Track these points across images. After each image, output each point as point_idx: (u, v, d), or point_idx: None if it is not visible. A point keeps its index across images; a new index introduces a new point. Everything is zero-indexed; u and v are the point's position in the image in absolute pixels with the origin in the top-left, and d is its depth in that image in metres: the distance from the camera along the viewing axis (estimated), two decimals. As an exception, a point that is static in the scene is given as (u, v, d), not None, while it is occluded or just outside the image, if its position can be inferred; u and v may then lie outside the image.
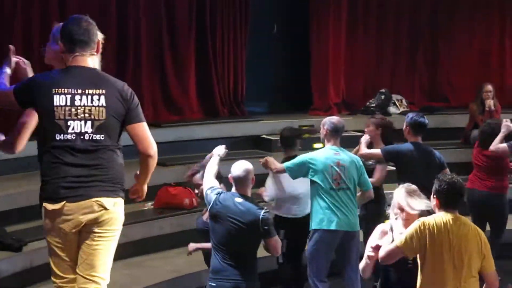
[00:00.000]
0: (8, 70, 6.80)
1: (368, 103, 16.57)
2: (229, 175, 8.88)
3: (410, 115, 11.95)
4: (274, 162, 10.78)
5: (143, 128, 6.44)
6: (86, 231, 6.27)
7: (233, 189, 8.84)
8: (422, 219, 7.77)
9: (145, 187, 6.75)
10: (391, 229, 8.03)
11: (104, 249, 6.36)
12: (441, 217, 7.77)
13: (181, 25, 15.41)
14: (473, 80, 17.01)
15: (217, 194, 8.69)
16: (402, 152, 11.42)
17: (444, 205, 7.80)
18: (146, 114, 13.88)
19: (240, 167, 8.80)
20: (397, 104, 16.40)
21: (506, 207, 12.24)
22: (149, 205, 12.62)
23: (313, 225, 10.63)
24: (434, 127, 16.11)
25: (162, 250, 12.53)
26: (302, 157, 10.68)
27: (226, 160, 12.00)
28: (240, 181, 8.74)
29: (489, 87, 15.63)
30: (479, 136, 12.50)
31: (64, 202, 6.16)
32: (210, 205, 8.66)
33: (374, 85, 16.99)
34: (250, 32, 16.35)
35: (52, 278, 6.47)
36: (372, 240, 7.87)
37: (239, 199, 8.63)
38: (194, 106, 15.76)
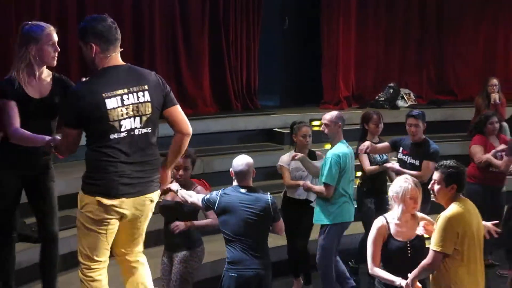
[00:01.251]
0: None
1: (377, 97, 16.53)
2: (231, 170, 8.91)
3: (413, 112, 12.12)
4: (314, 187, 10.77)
5: (179, 110, 6.64)
6: (133, 218, 6.61)
7: (234, 183, 8.88)
8: (446, 215, 7.68)
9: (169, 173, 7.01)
10: (387, 222, 8.04)
11: (144, 229, 6.90)
12: (462, 206, 7.75)
13: (195, 20, 15.33)
14: (479, 74, 17.02)
15: (218, 192, 8.74)
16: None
17: (461, 189, 7.81)
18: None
19: (241, 161, 8.86)
20: (405, 98, 16.33)
21: None
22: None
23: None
24: (441, 120, 16.12)
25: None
26: (334, 162, 10.54)
27: (236, 153, 12.03)
28: (243, 174, 8.78)
29: (494, 80, 15.56)
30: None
31: (123, 198, 6.38)
32: (217, 201, 8.67)
33: (383, 79, 16.93)
34: (262, 27, 16.26)
35: (84, 261, 6.61)
36: (372, 238, 7.97)
37: (244, 190, 8.72)
38: (208, 100, 15.70)
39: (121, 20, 14.03)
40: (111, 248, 6.77)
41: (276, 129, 15.39)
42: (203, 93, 15.53)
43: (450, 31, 17.71)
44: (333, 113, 11.03)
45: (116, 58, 6.39)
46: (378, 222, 7.93)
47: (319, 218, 10.71)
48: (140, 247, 7.06)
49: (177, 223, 8.91)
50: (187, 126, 6.70)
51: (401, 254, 7.85)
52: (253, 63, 16.17)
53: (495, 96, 15.33)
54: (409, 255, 7.85)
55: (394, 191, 8.04)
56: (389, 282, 7.85)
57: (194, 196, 8.80)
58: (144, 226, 6.89)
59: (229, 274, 8.69)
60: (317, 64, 16.79)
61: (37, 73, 6.34)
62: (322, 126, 10.83)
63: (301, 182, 10.79)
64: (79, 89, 6.38)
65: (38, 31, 6.31)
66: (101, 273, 6.72)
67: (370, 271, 8.05)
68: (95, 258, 6.60)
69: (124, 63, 6.48)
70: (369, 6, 17.12)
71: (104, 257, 6.68)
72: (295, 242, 11.13)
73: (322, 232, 10.61)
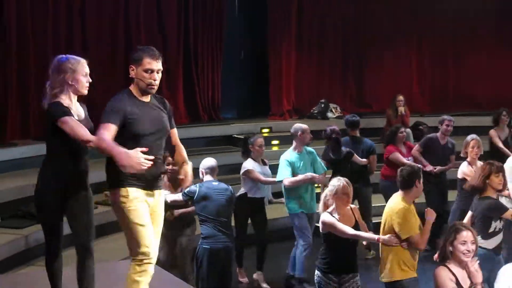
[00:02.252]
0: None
1: (312, 110, 16.55)
2: (201, 168, 9.06)
3: (346, 116, 12.60)
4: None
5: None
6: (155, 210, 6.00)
7: (205, 179, 9.01)
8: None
9: None
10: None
11: None
12: None
13: (172, 53, 15.29)
14: (389, 92, 16.82)
15: (196, 185, 8.79)
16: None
17: None
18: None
19: (210, 160, 9.20)
20: (333, 111, 16.37)
21: None
22: None
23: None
24: (361, 128, 16.23)
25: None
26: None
27: (204, 154, 12.12)
28: (213, 170, 9.06)
29: (401, 97, 15.73)
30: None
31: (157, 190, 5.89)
32: (197, 191, 8.74)
33: (316, 96, 16.87)
34: (223, 57, 16.30)
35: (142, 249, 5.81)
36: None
37: (215, 182, 8.95)
38: (182, 113, 15.60)
39: (115, 54, 14.25)
40: None
41: (234, 135, 15.32)
42: (178, 108, 15.36)
43: (367, 59, 17.69)
44: (299, 125, 10.97)
45: None
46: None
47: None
48: None
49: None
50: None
51: (347, 241, 7.79)
52: (216, 85, 16.16)
53: (401, 109, 15.54)
54: (351, 240, 7.83)
55: (329, 190, 7.95)
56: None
57: (171, 196, 8.87)
58: None
59: (203, 246, 8.84)
60: (266, 85, 16.75)
61: (73, 100, 5.99)
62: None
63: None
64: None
65: (75, 62, 5.96)
66: None
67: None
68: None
69: None
70: (305, 41, 17.05)
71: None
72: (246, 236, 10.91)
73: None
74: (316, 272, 7.99)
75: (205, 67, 15.95)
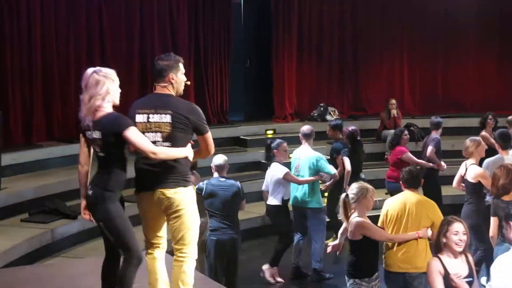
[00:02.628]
0: None
1: (312, 113, 16.51)
2: (212, 164, 9.11)
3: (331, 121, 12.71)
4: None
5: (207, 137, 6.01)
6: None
7: (215, 175, 9.08)
8: None
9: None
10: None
11: None
12: None
13: (184, 55, 15.12)
14: (383, 96, 16.98)
15: (204, 182, 8.97)
16: None
17: None
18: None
19: (220, 158, 9.13)
20: (332, 114, 16.34)
21: None
22: None
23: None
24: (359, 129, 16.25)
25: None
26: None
27: (232, 153, 12.20)
28: (221, 167, 9.07)
29: (393, 101, 15.85)
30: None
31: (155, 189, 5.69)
32: (204, 188, 8.89)
33: (316, 100, 16.85)
34: (230, 65, 16.29)
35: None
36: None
37: (222, 179, 9.00)
38: (192, 117, 15.55)
39: (130, 61, 14.27)
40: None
41: (241, 137, 15.44)
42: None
43: (362, 66, 17.62)
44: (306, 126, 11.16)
45: (157, 88, 5.92)
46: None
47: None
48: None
49: None
50: (211, 148, 6.12)
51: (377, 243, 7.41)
52: (224, 90, 16.14)
53: (394, 112, 15.65)
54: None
55: (358, 193, 7.39)
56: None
57: None
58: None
59: (211, 238, 8.93)
60: (270, 90, 16.73)
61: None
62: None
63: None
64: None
65: (112, 74, 5.80)
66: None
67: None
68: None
69: (163, 93, 5.90)
70: (305, 49, 17.00)
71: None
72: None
73: None
74: (350, 280, 7.37)
75: (213, 75, 15.93)
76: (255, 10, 17.09)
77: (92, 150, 5.84)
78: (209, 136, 6.05)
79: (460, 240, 6.00)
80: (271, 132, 15.43)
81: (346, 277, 7.37)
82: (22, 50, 12.63)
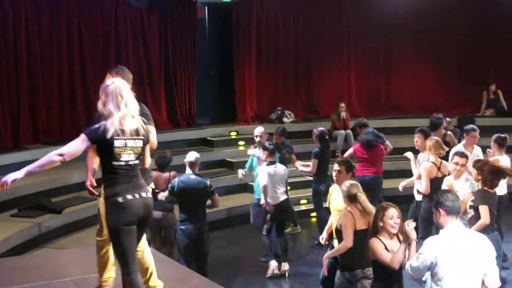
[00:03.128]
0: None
1: (270, 116, 16.52)
2: (185, 160, 8.97)
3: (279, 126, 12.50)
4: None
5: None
6: None
7: (186, 171, 8.92)
8: None
9: None
10: None
11: None
12: None
13: (155, 71, 15.35)
14: (333, 100, 17.03)
15: (175, 180, 8.87)
16: None
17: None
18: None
19: (192, 155, 9.00)
20: (288, 116, 16.44)
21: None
22: None
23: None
24: (309, 130, 16.27)
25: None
26: None
27: (183, 153, 12.07)
28: (193, 164, 8.89)
29: (342, 104, 16.03)
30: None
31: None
32: (175, 186, 8.78)
33: (274, 104, 16.87)
34: (197, 74, 16.28)
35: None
36: None
37: (193, 176, 8.83)
38: (164, 120, 15.60)
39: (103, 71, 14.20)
40: None
41: (208, 138, 15.46)
42: (161, 116, 15.43)
43: (314, 73, 17.64)
44: (261, 128, 11.07)
45: None
46: None
47: None
48: None
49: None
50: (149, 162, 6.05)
51: None
52: (192, 96, 16.13)
53: (343, 114, 15.81)
54: None
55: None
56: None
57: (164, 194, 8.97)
58: None
59: (180, 227, 8.88)
60: (233, 96, 16.71)
61: None
62: (257, 137, 10.78)
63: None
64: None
65: None
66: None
67: None
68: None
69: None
70: (263, 61, 16.99)
71: None
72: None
73: None
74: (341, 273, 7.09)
75: (182, 82, 15.93)
76: (218, 24, 17.08)
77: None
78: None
79: (395, 223, 6.18)
80: (234, 133, 15.51)
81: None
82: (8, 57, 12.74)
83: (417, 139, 10.34)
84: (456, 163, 8.58)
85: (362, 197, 7.04)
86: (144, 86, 15.07)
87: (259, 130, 10.73)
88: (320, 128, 11.97)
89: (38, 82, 13.09)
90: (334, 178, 8.15)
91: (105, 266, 6.02)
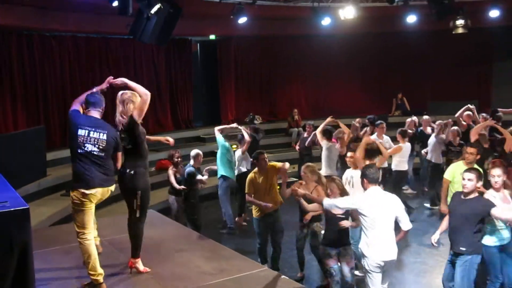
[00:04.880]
0: (94, 89, 5.22)
1: (245, 119, 16.16)
2: (191, 154, 8.72)
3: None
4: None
5: (120, 154, 5.17)
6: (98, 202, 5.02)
7: (191, 162, 8.67)
8: None
9: None
10: None
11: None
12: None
13: (163, 89, 15.26)
14: (289, 107, 17.00)
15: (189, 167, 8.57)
16: None
17: None
18: (149, 127, 13.94)
19: (196, 151, 8.77)
20: (257, 119, 16.23)
21: None
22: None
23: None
24: (274, 129, 16.34)
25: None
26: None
27: (184, 148, 11.97)
28: (195, 158, 8.66)
29: (295, 110, 16.26)
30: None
31: (97, 189, 4.86)
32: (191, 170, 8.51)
33: (247, 111, 16.67)
34: (193, 89, 16.15)
35: (80, 230, 4.95)
36: None
37: (193, 168, 8.56)
38: (169, 123, 15.49)
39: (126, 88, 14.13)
40: None
41: (201, 136, 15.30)
42: (167, 121, 15.38)
43: (276, 88, 17.57)
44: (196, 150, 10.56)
45: (93, 113, 4.96)
46: None
47: None
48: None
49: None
50: (120, 164, 5.19)
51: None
52: (190, 106, 16.00)
53: (296, 117, 15.84)
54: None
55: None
56: None
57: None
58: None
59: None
60: (218, 105, 16.62)
61: None
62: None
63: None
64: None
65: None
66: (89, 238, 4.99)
67: None
68: (87, 226, 4.94)
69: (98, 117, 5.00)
70: (239, 79, 16.88)
71: (91, 226, 5.00)
72: None
73: None
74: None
75: (182, 97, 15.82)
76: (207, 56, 16.99)
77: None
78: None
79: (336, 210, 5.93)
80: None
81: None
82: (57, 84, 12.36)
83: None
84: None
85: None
86: (155, 99, 14.96)
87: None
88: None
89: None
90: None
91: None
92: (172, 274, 5.45)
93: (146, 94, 5.06)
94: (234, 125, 10.94)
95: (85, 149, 4.83)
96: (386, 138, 10.54)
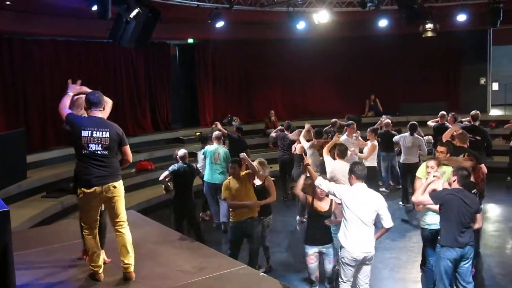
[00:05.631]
0: (71, 93, 5.21)
1: (223, 121, 16.16)
2: (177, 155, 8.49)
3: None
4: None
5: (127, 148, 5.09)
6: (107, 199, 4.95)
7: (179, 162, 8.39)
8: None
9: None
10: None
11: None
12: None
13: (142, 91, 15.15)
14: (266, 108, 17.00)
15: (172, 167, 8.27)
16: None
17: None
18: (129, 130, 13.86)
19: (183, 151, 8.55)
20: (235, 120, 16.36)
21: None
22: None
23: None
24: (251, 130, 16.37)
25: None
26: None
27: (164, 149, 11.88)
28: (183, 157, 8.43)
29: (272, 111, 16.37)
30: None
31: (95, 187, 4.85)
32: (174, 170, 8.22)
33: (225, 112, 16.80)
34: (171, 92, 16.08)
35: (83, 225, 5.07)
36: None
37: (185, 165, 8.31)
38: (149, 126, 15.38)
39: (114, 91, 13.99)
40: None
41: (180, 137, 15.21)
42: (147, 123, 15.28)
43: (253, 91, 17.59)
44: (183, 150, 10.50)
45: (96, 112, 4.99)
46: None
47: None
48: (120, 217, 5.09)
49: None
50: (129, 157, 5.08)
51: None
52: (169, 109, 15.90)
53: (273, 118, 15.89)
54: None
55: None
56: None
57: (164, 174, 8.29)
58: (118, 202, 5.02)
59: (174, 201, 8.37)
60: (197, 107, 16.56)
61: None
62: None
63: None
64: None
65: None
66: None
67: None
68: (89, 223, 5.01)
69: (100, 116, 5.02)
70: (217, 82, 16.86)
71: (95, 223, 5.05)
72: None
73: None
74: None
75: (161, 99, 15.71)
76: (185, 59, 16.92)
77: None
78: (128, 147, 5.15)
79: (322, 190, 5.95)
80: (198, 133, 15.34)
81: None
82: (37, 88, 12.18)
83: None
84: None
85: None
86: (135, 102, 14.90)
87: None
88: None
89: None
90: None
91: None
92: (153, 274, 5.40)
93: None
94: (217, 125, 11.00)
95: (89, 149, 4.87)
96: (355, 136, 10.64)
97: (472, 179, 6.31)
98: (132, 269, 5.13)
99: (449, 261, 5.49)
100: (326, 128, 12.02)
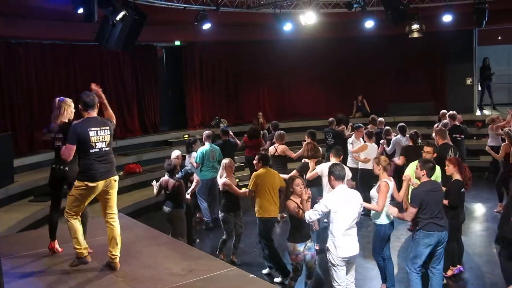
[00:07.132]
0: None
1: (211, 123, 16.42)
2: (172, 157, 8.45)
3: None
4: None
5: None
6: (104, 192, 5.21)
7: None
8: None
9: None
10: None
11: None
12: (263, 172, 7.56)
13: (129, 94, 15.10)
14: (254, 110, 16.94)
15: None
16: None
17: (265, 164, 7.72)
18: (116, 133, 13.87)
19: (176, 152, 8.63)
20: (223, 123, 16.37)
21: None
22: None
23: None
24: (239, 131, 16.36)
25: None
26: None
27: (152, 152, 11.84)
28: (178, 157, 8.41)
29: (260, 113, 16.14)
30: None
31: (99, 182, 5.15)
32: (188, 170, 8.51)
33: (213, 114, 16.80)
34: (160, 95, 16.05)
35: (70, 211, 5.30)
36: None
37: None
38: (137, 128, 15.34)
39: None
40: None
41: (168, 139, 15.21)
42: (135, 126, 15.23)
43: (241, 93, 17.60)
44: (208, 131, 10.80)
45: (93, 113, 5.24)
46: None
47: None
48: (113, 210, 5.38)
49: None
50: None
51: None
52: (157, 111, 15.88)
53: (261, 120, 15.82)
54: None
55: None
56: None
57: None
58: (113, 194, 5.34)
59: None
60: (184, 110, 16.54)
61: None
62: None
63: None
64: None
65: (71, 102, 5.80)
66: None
67: None
68: (78, 212, 5.33)
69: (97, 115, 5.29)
70: (204, 85, 16.83)
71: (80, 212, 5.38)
72: None
73: None
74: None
75: (149, 102, 15.67)
76: (173, 61, 16.93)
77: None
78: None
79: (301, 188, 6.04)
80: (186, 135, 15.35)
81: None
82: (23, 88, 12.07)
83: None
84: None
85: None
86: (122, 104, 14.84)
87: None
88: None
89: (45, 104, 12.66)
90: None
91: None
92: (142, 276, 5.39)
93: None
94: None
95: (97, 147, 5.16)
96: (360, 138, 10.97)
97: (459, 177, 6.65)
98: (118, 260, 5.43)
99: (428, 245, 5.99)
100: (325, 128, 12.15)
